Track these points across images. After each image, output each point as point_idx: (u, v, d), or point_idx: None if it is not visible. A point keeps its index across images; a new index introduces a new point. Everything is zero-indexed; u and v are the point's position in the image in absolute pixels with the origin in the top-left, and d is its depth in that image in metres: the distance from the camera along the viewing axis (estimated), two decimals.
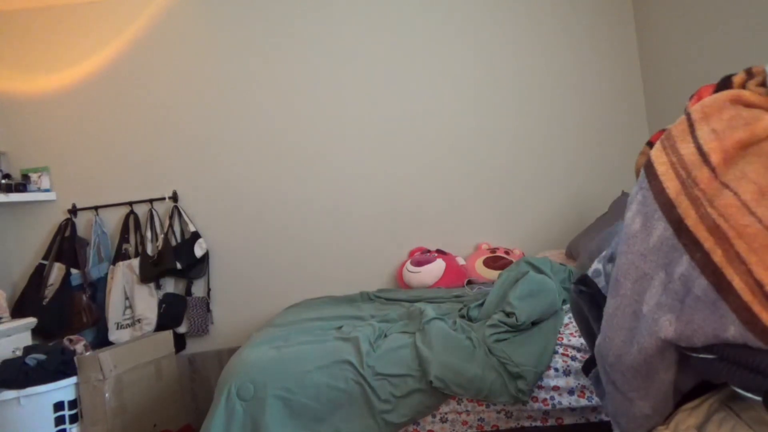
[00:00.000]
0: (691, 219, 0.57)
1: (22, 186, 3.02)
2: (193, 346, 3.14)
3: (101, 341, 2.92)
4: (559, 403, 1.80)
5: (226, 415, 1.78)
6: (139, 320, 2.96)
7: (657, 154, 0.64)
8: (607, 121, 3.28)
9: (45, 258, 3.05)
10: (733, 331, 0.54)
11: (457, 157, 3.25)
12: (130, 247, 3.14)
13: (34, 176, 3.10)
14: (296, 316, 2.52)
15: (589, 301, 0.95)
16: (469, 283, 3.01)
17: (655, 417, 0.70)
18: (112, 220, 3.18)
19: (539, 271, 2.31)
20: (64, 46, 3.17)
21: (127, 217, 3.15)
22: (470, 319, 2.19)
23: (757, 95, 0.61)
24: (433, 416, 1.82)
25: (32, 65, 3.16)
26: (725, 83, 0.67)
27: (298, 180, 3.22)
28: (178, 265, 3.00)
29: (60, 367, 2.31)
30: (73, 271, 3.00)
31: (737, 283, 0.53)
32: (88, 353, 2.41)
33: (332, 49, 3.23)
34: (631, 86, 3.29)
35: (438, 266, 2.99)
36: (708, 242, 0.55)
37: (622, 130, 3.27)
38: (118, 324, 2.97)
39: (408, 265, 3.07)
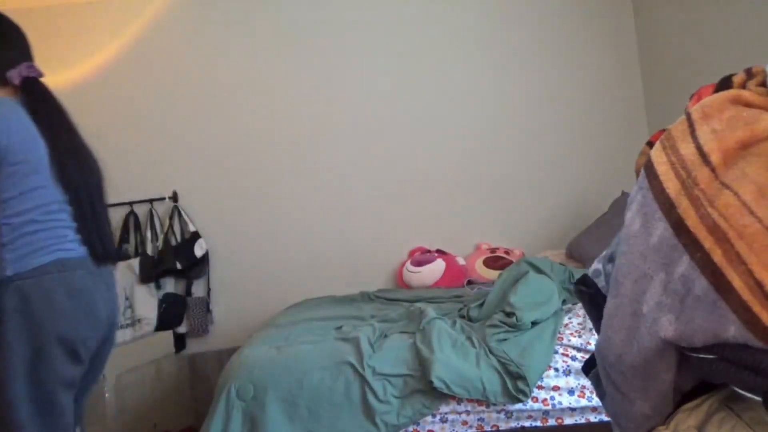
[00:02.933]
0: (691, 219, 0.57)
1: None
2: (193, 346, 3.13)
3: None
4: (559, 403, 1.80)
5: (225, 416, 1.78)
6: (139, 320, 2.96)
7: (657, 154, 0.64)
8: (607, 121, 3.28)
9: None
10: (734, 331, 0.54)
11: (457, 157, 3.25)
12: (130, 247, 3.14)
13: None
14: (296, 316, 2.52)
15: (589, 301, 0.95)
16: (469, 283, 3.01)
17: (655, 417, 0.70)
18: (112, 220, 3.17)
19: (539, 271, 2.31)
20: (63, 46, 3.16)
21: (127, 217, 3.15)
22: (470, 319, 2.20)
23: (757, 95, 0.61)
24: (433, 416, 1.82)
25: None
26: (725, 83, 0.67)
27: (299, 180, 3.22)
28: (178, 265, 3.00)
29: None
30: None
31: (737, 283, 0.53)
32: None
33: (333, 48, 3.23)
34: (631, 86, 3.29)
35: (438, 266, 2.99)
36: (708, 242, 0.55)
37: (622, 130, 3.27)
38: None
39: (408, 265, 3.07)
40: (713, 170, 0.57)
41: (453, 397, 1.80)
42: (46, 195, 1.33)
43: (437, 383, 1.75)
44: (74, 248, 1.36)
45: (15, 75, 1.42)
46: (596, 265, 0.92)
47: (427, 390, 1.79)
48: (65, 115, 1.46)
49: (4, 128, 1.28)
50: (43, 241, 1.30)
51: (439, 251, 3.14)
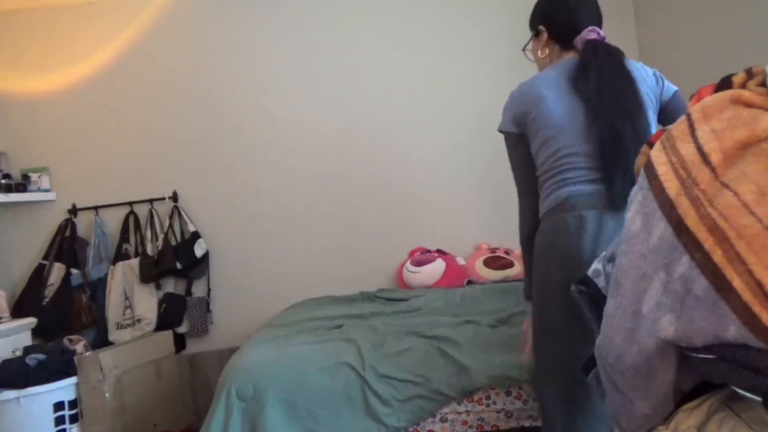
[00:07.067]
0: (692, 219, 0.57)
1: (22, 186, 3.01)
2: (193, 346, 3.13)
3: (101, 341, 2.91)
4: None
5: (225, 416, 1.78)
6: (139, 320, 2.96)
7: (657, 154, 0.64)
8: None
9: (45, 258, 3.04)
10: (734, 331, 0.54)
11: (457, 156, 3.25)
12: (130, 247, 3.13)
13: (34, 176, 3.10)
14: (296, 316, 2.52)
15: (589, 301, 0.95)
16: (469, 283, 3.01)
17: (655, 417, 0.70)
18: (112, 220, 3.18)
19: None
20: (64, 46, 3.16)
21: (127, 217, 3.15)
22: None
23: (757, 95, 0.61)
24: (433, 416, 1.82)
25: (32, 65, 3.16)
26: (725, 83, 0.67)
27: (299, 180, 3.22)
28: (178, 265, 3.00)
29: (60, 367, 2.30)
30: (73, 271, 3.00)
31: (737, 283, 0.53)
32: (88, 353, 2.41)
33: (332, 47, 3.23)
34: None
35: (438, 266, 2.99)
36: (708, 242, 0.55)
37: None
38: (118, 324, 2.97)
39: (408, 265, 3.06)
40: (713, 170, 0.57)
41: (453, 397, 1.80)
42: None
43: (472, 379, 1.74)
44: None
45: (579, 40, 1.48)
46: (596, 265, 0.92)
47: (427, 395, 1.79)
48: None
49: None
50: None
51: (439, 251, 3.14)
